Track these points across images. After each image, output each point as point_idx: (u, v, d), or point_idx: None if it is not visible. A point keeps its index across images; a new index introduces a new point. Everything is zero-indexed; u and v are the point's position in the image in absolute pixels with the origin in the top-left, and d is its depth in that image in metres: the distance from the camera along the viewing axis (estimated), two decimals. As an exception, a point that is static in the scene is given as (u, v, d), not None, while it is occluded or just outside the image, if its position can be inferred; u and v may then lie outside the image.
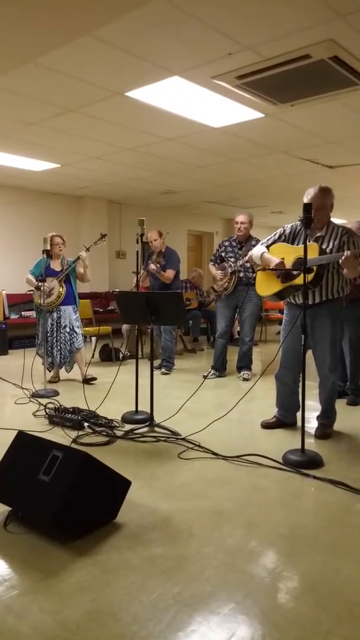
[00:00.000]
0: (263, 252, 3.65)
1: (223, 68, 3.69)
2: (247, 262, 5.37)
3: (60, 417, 3.87)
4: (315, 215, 3.23)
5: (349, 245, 3.36)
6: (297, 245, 3.55)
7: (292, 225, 3.66)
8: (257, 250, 3.73)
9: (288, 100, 4.31)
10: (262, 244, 3.75)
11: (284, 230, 3.66)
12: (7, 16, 2.98)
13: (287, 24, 3.06)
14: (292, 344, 3.60)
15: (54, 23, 3.06)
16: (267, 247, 3.69)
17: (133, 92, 4.17)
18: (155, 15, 2.98)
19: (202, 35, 3.22)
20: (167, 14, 2.97)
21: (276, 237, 3.68)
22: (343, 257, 3.17)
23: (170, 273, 5.88)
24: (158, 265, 5.84)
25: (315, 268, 3.28)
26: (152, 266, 5.84)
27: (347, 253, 3.16)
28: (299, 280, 3.39)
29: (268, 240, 3.73)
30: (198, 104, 4.42)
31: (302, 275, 3.12)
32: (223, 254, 5.74)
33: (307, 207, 3.07)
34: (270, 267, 3.54)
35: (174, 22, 3.07)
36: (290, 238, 3.62)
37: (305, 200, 3.41)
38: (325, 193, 3.42)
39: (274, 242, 3.68)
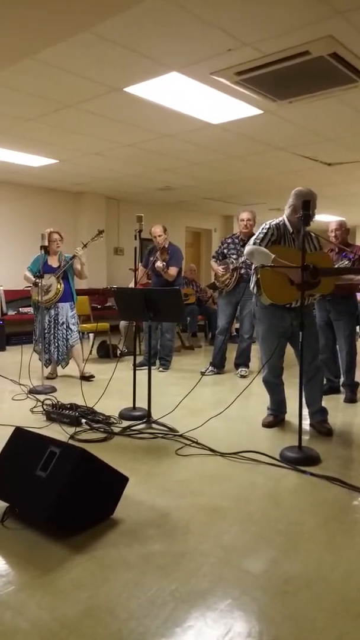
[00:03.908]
0: (274, 257, 3.37)
1: (222, 64, 3.67)
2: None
3: (57, 413, 3.87)
4: (297, 217, 3.31)
5: (321, 248, 3.70)
6: (286, 246, 3.52)
7: (276, 224, 3.55)
8: (260, 252, 3.45)
9: (287, 97, 4.30)
10: (257, 244, 3.52)
11: (272, 229, 3.52)
12: (5, 11, 2.97)
13: (287, 20, 3.05)
14: (281, 344, 3.65)
15: (53, 19, 3.04)
16: (265, 247, 3.49)
17: (131, 87, 4.15)
18: (154, 11, 2.97)
19: (201, 32, 3.21)
20: (166, 10, 2.95)
21: (268, 235, 3.50)
22: None
23: (173, 271, 5.83)
24: (164, 264, 5.78)
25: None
26: (159, 264, 5.76)
27: None
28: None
29: (262, 240, 3.51)
30: (196, 100, 4.41)
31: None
32: (225, 251, 5.76)
33: (306, 205, 3.06)
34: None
35: (172, 18, 3.06)
36: (277, 237, 3.53)
37: (294, 199, 3.46)
38: (315, 197, 3.39)
39: (268, 241, 3.50)
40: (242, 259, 5.50)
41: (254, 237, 3.60)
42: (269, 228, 3.54)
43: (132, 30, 3.21)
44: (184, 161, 6.75)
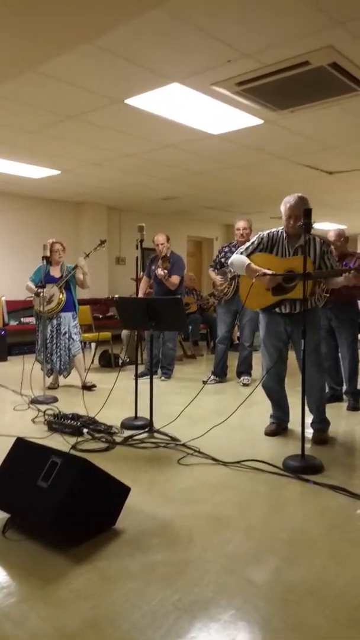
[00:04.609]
0: (249, 264, 3.49)
1: (222, 75, 3.71)
2: None
3: (59, 423, 3.86)
4: (295, 224, 3.35)
5: (328, 255, 3.52)
6: (278, 254, 3.53)
7: (269, 233, 3.58)
8: (238, 260, 3.57)
9: (287, 107, 4.33)
10: (240, 252, 3.61)
11: (262, 238, 3.56)
12: (7, 23, 3.00)
13: (286, 31, 3.08)
14: (280, 351, 3.67)
15: (54, 31, 3.08)
16: (248, 256, 3.56)
17: (133, 99, 4.19)
18: (155, 23, 3.00)
19: (202, 43, 3.24)
20: (167, 22, 2.99)
21: (255, 245, 3.57)
22: (350, 275, 3.24)
23: (175, 279, 5.82)
24: (166, 271, 5.78)
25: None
26: (160, 271, 5.77)
27: (352, 272, 3.24)
28: (295, 294, 3.40)
29: (247, 248, 3.59)
30: (197, 110, 4.44)
31: (297, 288, 3.13)
32: (223, 260, 5.75)
33: (307, 213, 3.07)
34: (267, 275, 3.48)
35: (173, 30, 3.09)
36: (269, 246, 3.55)
37: (283, 207, 3.49)
38: (305, 202, 3.39)
39: (254, 250, 3.57)
40: None
41: (240, 247, 3.70)
42: (257, 237, 3.60)
43: (133, 42, 3.25)
44: (185, 171, 6.78)
